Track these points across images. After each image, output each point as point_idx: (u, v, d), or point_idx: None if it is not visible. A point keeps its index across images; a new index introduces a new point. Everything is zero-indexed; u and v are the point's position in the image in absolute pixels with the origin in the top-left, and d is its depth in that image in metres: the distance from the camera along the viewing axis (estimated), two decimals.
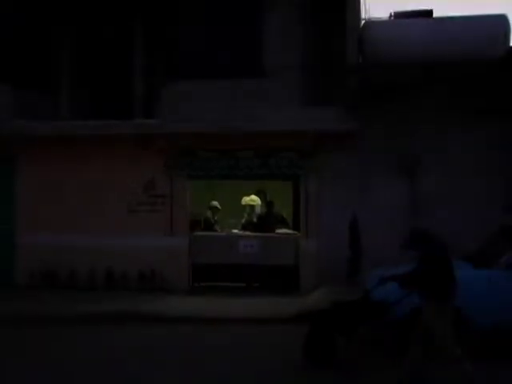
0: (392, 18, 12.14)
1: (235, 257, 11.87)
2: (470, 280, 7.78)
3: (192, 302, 10.92)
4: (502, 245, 8.17)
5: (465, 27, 10.95)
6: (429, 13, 11.96)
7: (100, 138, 11.83)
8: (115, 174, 12.13)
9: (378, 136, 11.35)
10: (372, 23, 11.68)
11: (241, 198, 12.88)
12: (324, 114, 11.06)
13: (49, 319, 9.69)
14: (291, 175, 11.94)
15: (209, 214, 12.57)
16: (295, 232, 12.11)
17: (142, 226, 11.99)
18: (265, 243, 11.91)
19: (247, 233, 12.35)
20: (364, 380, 6.85)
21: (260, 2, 11.66)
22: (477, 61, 10.64)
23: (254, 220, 12.70)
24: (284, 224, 12.48)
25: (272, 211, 12.50)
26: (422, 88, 11.15)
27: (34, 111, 11.79)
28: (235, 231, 12.57)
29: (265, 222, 12.41)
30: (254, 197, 12.86)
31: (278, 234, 12.13)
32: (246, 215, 12.84)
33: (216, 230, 12.47)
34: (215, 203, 12.62)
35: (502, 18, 10.93)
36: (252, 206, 12.78)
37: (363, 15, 12.32)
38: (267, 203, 12.65)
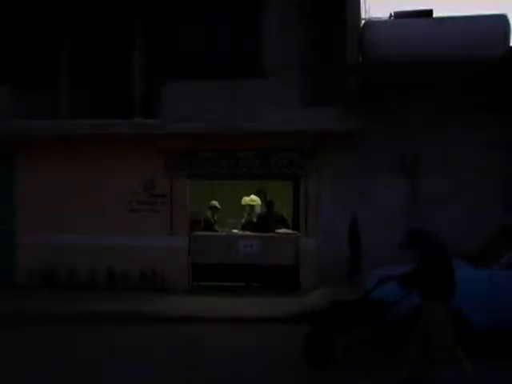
0: (392, 18, 12.12)
1: (235, 257, 11.87)
2: (470, 280, 7.80)
3: (192, 301, 10.92)
4: (502, 245, 8.18)
5: (465, 27, 10.94)
6: (429, 13, 11.95)
7: (100, 138, 11.83)
8: (115, 174, 12.13)
9: (379, 136, 11.35)
10: (372, 23, 11.67)
11: (241, 198, 12.88)
12: (324, 113, 11.06)
13: (49, 319, 9.70)
14: (291, 175, 11.94)
15: (208, 213, 12.57)
16: (295, 232, 12.11)
17: (142, 225, 11.99)
18: (265, 243, 11.91)
19: (247, 233, 12.35)
20: (364, 380, 6.84)
21: (260, 1, 11.65)
22: (477, 61, 10.64)
23: (254, 220, 12.70)
24: (284, 224, 12.48)
25: (272, 211, 12.50)
26: (422, 88, 11.16)
27: (34, 111, 11.79)
28: (235, 231, 12.57)
29: (265, 221, 12.41)
30: (253, 197, 12.86)
31: (277, 233, 12.12)
32: (245, 215, 12.84)
33: (216, 230, 12.46)
34: (215, 203, 12.62)
35: (502, 18, 10.92)
36: (252, 206, 12.78)
37: (363, 15, 12.32)
38: (267, 203, 12.65)
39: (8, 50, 12.26)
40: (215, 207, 12.60)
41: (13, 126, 11.78)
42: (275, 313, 9.81)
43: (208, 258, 11.97)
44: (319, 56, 11.43)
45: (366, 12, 12.63)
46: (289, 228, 12.41)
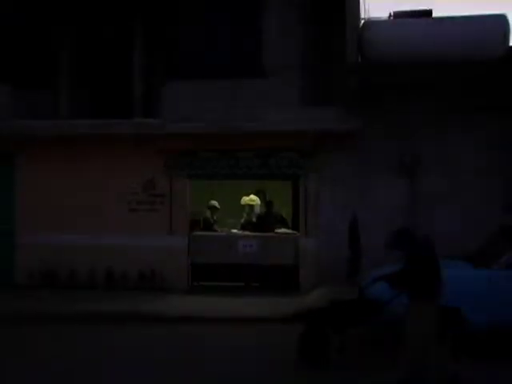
0: (391, 18, 12.13)
1: (234, 256, 11.87)
2: (469, 280, 7.81)
3: (191, 301, 10.92)
4: (501, 245, 8.18)
5: (464, 27, 10.94)
6: (428, 13, 11.96)
7: (100, 138, 11.83)
8: (115, 174, 12.13)
9: (378, 136, 11.36)
10: (371, 23, 11.67)
11: (240, 198, 12.88)
12: (324, 113, 11.07)
13: (49, 319, 9.70)
14: (291, 175, 11.94)
15: (208, 213, 12.57)
16: (295, 232, 12.11)
17: (142, 225, 11.99)
18: (264, 243, 11.92)
19: (246, 232, 12.35)
20: (364, 380, 6.85)
21: (260, 1, 11.66)
22: (476, 61, 10.64)
23: (254, 220, 12.70)
24: (283, 224, 12.48)
25: (271, 211, 12.49)
26: (421, 88, 11.17)
27: (34, 111, 11.79)
28: (234, 231, 12.57)
29: (264, 221, 12.40)
30: (253, 197, 12.86)
31: (277, 233, 12.13)
32: (245, 215, 12.84)
33: (215, 230, 12.46)
34: (214, 203, 12.61)
35: (502, 18, 10.93)
36: (251, 206, 12.78)
37: (363, 15, 12.32)
38: (267, 203, 12.65)
39: (8, 50, 12.26)
40: (214, 207, 12.60)
41: (13, 126, 11.79)
42: (275, 313, 9.81)
43: (207, 258, 11.97)
44: (319, 56, 11.44)
45: (365, 12, 12.64)
46: (288, 228, 12.41)
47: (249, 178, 12.36)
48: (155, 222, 12.03)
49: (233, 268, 11.90)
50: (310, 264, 11.49)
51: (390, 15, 12.16)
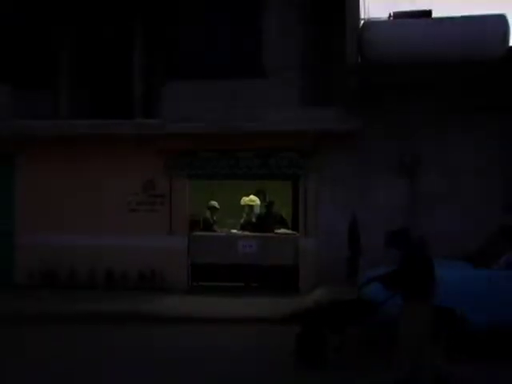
0: (391, 18, 12.13)
1: (234, 257, 11.87)
2: (469, 280, 7.81)
3: (191, 301, 10.92)
4: (501, 245, 8.18)
5: (464, 27, 10.94)
6: (428, 13, 11.95)
7: (100, 138, 11.83)
8: (115, 174, 12.13)
9: (378, 136, 11.36)
10: (371, 23, 11.67)
11: (240, 198, 12.88)
12: (324, 113, 11.06)
13: (49, 319, 9.70)
14: (291, 175, 11.94)
15: (208, 214, 12.57)
16: (294, 232, 12.10)
17: (142, 226, 11.99)
18: (264, 243, 11.91)
19: (246, 233, 12.35)
20: (362, 380, 6.85)
21: (260, 1, 11.66)
22: (476, 61, 10.64)
23: (253, 220, 12.69)
24: (283, 224, 12.47)
25: (272, 211, 12.49)
26: (421, 88, 11.16)
27: (34, 111, 11.78)
28: (234, 231, 12.56)
29: (264, 222, 12.40)
30: (252, 197, 12.85)
31: (277, 234, 12.12)
32: (244, 215, 12.83)
33: (215, 230, 12.46)
34: (214, 203, 12.61)
35: (502, 18, 10.92)
36: (251, 206, 12.76)
37: (363, 15, 12.31)
38: (267, 203, 12.64)
39: (8, 50, 12.26)
40: (214, 207, 12.59)
41: (13, 126, 11.78)
42: (274, 313, 9.80)
43: (207, 258, 11.96)
44: (319, 56, 11.44)
45: (365, 12, 12.63)
46: (288, 228, 12.41)
47: (249, 178, 12.36)
48: (155, 222, 12.03)
49: (232, 268, 11.90)
50: (309, 264, 11.48)
51: (390, 16, 12.16)
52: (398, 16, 11.99)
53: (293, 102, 11.29)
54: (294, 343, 7.38)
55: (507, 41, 10.91)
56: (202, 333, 9.08)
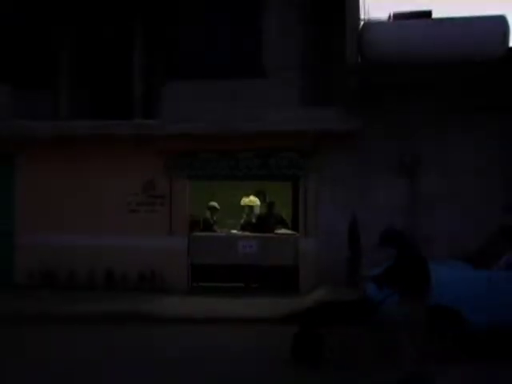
0: (391, 18, 12.13)
1: (234, 257, 11.86)
2: (469, 281, 7.81)
3: (191, 302, 10.91)
4: (501, 245, 8.17)
5: (464, 28, 10.95)
6: (428, 14, 11.95)
7: (100, 138, 11.82)
8: (115, 174, 12.12)
9: (378, 136, 11.35)
10: (371, 24, 11.67)
11: (240, 199, 12.88)
12: (324, 113, 11.06)
13: (49, 319, 9.69)
14: (291, 175, 11.93)
15: (208, 214, 12.57)
16: (294, 232, 12.10)
17: (142, 226, 11.98)
18: (264, 243, 11.91)
19: (246, 233, 12.34)
20: (364, 380, 6.85)
21: (260, 1, 11.66)
22: (476, 61, 10.64)
23: (253, 221, 12.69)
24: (283, 224, 12.46)
25: (272, 212, 12.48)
26: (421, 88, 11.17)
27: (34, 111, 11.78)
28: (234, 232, 12.56)
29: (264, 222, 12.40)
30: (252, 197, 12.85)
31: (277, 234, 12.12)
32: (244, 216, 12.83)
33: (215, 231, 12.46)
34: (214, 203, 12.61)
35: (501, 19, 10.93)
36: (251, 207, 12.76)
37: (363, 16, 12.32)
38: (268, 204, 12.64)
39: (8, 50, 12.26)
40: (214, 208, 12.60)
41: (13, 126, 11.78)
42: (275, 313, 9.79)
43: (207, 259, 11.96)
44: (319, 56, 11.44)
45: (365, 13, 12.63)
46: (288, 229, 12.40)
47: (249, 179, 12.35)
48: (155, 222, 12.02)
49: (232, 269, 11.89)
50: (309, 264, 11.47)
51: (390, 16, 12.16)
52: (398, 17, 11.98)
53: (293, 101, 11.29)
54: (292, 343, 7.41)
55: (507, 41, 10.91)
56: (202, 333, 9.07)
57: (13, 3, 12.30)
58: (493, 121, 11.04)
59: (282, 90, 11.29)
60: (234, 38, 11.76)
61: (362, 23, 11.70)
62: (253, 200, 12.81)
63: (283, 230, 12.24)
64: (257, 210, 12.79)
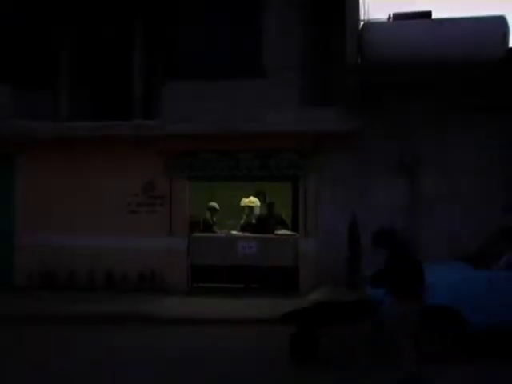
0: (391, 19, 12.12)
1: (234, 258, 11.86)
2: (469, 281, 7.80)
3: (191, 303, 10.91)
4: (502, 245, 8.17)
5: (464, 28, 10.95)
6: (428, 14, 11.95)
7: (99, 139, 11.82)
8: (115, 175, 12.12)
9: (378, 136, 11.35)
10: (371, 24, 11.67)
11: (240, 199, 12.87)
12: (324, 114, 11.06)
13: (49, 319, 9.69)
14: (291, 176, 11.92)
15: (207, 215, 12.56)
16: (294, 233, 12.09)
17: (142, 227, 11.98)
18: (264, 244, 11.90)
19: (246, 234, 12.33)
20: (364, 380, 6.84)
21: (260, 1, 11.66)
22: (476, 62, 10.64)
23: (253, 221, 12.68)
24: (283, 225, 12.45)
25: (272, 212, 12.47)
26: (421, 88, 11.17)
27: (34, 111, 11.78)
28: (234, 232, 12.55)
29: (264, 223, 12.39)
30: (252, 198, 12.84)
31: (277, 234, 12.10)
32: (244, 216, 12.81)
33: (215, 231, 12.45)
34: (214, 204, 12.60)
35: (501, 19, 10.93)
36: (251, 208, 12.75)
37: (363, 16, 12.32)
38: (268, 204, 12.62)
39: (8, 50, 12.26)
40: (214, 208, 12.59)
41: (13, 126, 11.78)
42: (275, 314, 9.75)
43: (207, 260, 11.95)
44: (319, 56, 11.44)
45: (365, 13, 12.64)
46: (288, 229, 12.39)
47: (249, 180, 12.35)
48: (155, 223, 12.02)
49: (232, 269, 11.88)
50: (309, 265, 11.47)
51: (390, 17, 12.16)
52: (398, 17, 11.98)
53: (293, 102, 11.28)
54: (289, 343, 7.45)
55: (507, 42, 10.91)
56: (201, 333, 9.07)
57: (13, 3, 12.30)
58: (493, 121, 11.04)
59: (282, 90, 11.29)
60: (234, 37, 11.76)
61: (362, 23, 11.70)
62: (253, 200, 12.80)
63: (283, 231, 12.22)
64: (257, 211, 12.77)
